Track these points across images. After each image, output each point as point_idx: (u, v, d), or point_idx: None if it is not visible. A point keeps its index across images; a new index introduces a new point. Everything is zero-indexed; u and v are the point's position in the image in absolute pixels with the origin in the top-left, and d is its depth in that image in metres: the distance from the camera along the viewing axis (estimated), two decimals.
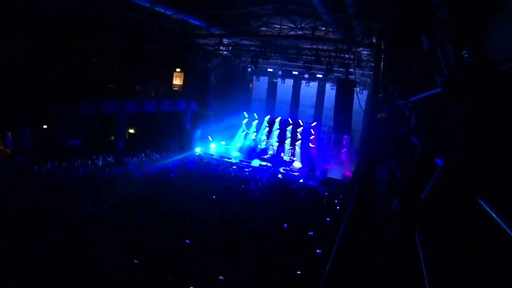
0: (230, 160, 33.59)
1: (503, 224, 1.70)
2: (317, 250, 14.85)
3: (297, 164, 34.80)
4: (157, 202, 18.86)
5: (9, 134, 23.07)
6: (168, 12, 24.54)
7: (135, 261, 12.60)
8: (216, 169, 28.74)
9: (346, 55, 28.79)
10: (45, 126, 26.48)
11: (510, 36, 1.71)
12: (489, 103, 2.02)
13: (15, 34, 21.56)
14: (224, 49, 31.86)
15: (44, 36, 23.11)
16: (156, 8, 23.35)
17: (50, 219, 15.61)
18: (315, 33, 25.68)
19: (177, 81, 35.72)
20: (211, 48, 32.34)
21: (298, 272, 13.23)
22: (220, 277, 12.22)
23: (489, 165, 2.02)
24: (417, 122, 5.36)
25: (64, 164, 23.04)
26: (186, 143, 35.12)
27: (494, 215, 1.80)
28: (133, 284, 11.36)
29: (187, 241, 14.86)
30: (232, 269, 12.92)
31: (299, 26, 24.44)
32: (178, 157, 31.22)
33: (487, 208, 1.88)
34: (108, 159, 26.51)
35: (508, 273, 1.74)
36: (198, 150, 35.77)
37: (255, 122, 40.23)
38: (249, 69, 36.66)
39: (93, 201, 18.01)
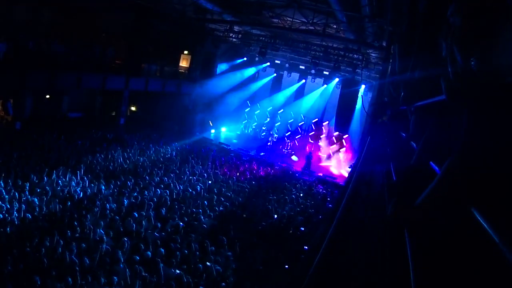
0: (229, 147, 33.51)
1: (493, 234, 1.71)
2: (304, 247, 14.87)
3: (294, 158, 34.73)
4: (151, 182, 18.90)
5: (11, 101, 23.05)
6: None
7: (125, 238, 12.61)
8: (214, 155, 28.67)
9: (355, 55, 28.77)
10: (47, 96, 26.43)
11: None
12: (492, 114, 2.03)
13: (25, 2, 21.54)
14: (233, 36, 31.78)
15: (54, 6, 23.06)
16: None
17: (40, 189, 15.68)
18: (326, 30, 25.59)
19: (184, 63, 35.70)
20: (221, 34, 32.26)
21: (286, 266, 13.25)
22: (207, 263, 12.25)
23: (486, 176, 2.03)
24: (417, 128, 5.37)
25: (62, 136, 23.00)
26: (187, 125, 35.06)
27: (485, 225, 1.80)
28: (118, 262, 11.38)
29: (181, 224, 14.86)
30: (219, 257, 12.94)
31: (311, 21, 24.33)
32: (179, 142, 31.18)
33: (479, 218, 1.89)
34: (108, 135, 26.45)
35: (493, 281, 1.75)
36: (197, 134, 35.73)
37: (257, 111, 40.23)
38: (257, 59, 36.58)
39: (87, 175, 18.06)
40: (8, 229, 12.04)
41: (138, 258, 11.69)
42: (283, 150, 36.37)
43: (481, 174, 2.05)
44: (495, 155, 1.98)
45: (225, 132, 38.62)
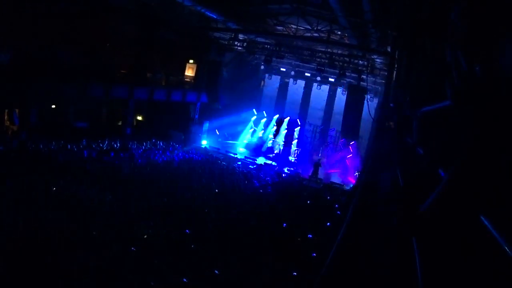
0: (235, 156, 33.48)
1: (502, 242, 1.69)
2: (312, 253, 14.79)
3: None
4: (159, 191, 18.88)
5: (17, 111, 23.11)
6: (186, 3, 24.57)
7: (132, 248, 12.61)
8: (221, 163, 28.68)
9: (360, 61, 28.77)
10: (53, 106, 26.51)
11: None
12: (497, 118, 2.01)
13: (31, 10, 21.62)
14: (238, 44, 31.85)
15: (59, 15, 23.16)
16: None
17: (47, 200, 15.68)
18: (331, 37, 25.61)
19: (190, 72, 35.75)
20: (226, 43, 32.32)
21: (294, 274, 13.17)
22: (215, 271, 12.21)
23: (493, 182, 2.01)
24: (423, 133, 5.35)
25: (69, 146, 23.04)
26: (193, 134, 35.08)
27: (494, 232, 1.79)
28: (125, 271, 11.35)
29: (187, 231, 14.84)
30: (227, 265, 12.90)
31: (315, 28, 24.37)
32: (185, 148, 31.21)
33: (488, 225, 1.87)
34: (114, 144, 26.48)
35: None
36: (204, 142, 35.65)
37: (264, 120, 40.20)
38: (262, 67, 36.60)
39: (93, 185, 18.06)
40: (15, 236, 12.07)
41: (145, 265, 11.68)
42: (291, 157, 36.29)
43: (488, 180, 2.03)
44: (501, 160, 1.97)
45: (231, 140, 38.66)
